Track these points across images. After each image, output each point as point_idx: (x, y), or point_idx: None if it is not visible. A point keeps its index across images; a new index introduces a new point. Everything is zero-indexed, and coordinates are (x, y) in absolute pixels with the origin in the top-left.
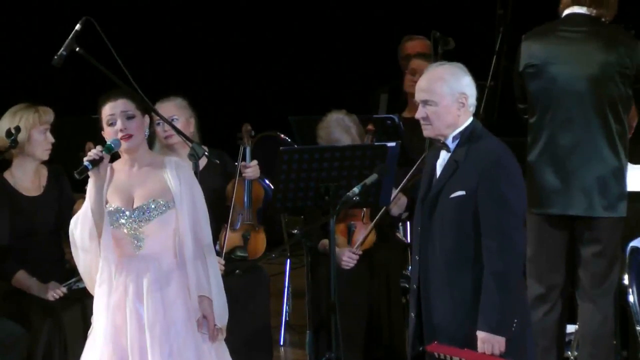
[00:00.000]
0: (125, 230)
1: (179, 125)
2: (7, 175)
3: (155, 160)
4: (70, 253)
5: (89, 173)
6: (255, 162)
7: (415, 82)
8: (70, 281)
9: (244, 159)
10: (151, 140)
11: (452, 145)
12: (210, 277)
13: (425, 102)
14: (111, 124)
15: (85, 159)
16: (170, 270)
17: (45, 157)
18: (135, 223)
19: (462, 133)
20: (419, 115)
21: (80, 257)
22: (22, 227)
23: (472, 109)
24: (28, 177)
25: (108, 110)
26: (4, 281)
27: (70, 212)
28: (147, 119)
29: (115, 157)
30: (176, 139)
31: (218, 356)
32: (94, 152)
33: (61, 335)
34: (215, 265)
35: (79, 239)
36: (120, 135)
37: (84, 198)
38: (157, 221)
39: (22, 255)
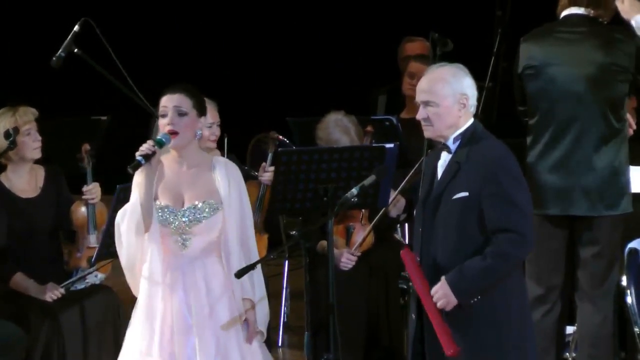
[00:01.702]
0: (172, 229)
1: (215, 130)
2: (2, 178)
3: (204, 160)
4: (68, 253)
5: (141, 168)
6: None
7: (414, 85)
8: (68, 282)
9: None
10: None
11: (453, 147)
12: (254, 279)
13: (427, 103)
14: (163, 116)
15: (137, 153)
16: (215, 270)
17: (37, 155)
18: (184, 223)
19: (463, 134)
20: (419, 116)
21: (124, 252)
22: (19, 228)
23: (473, 110)
24: (23, 179)
25: (163, 101)
26: (2, 283)
27: (68, 212)
28: (202, 119)
29: None
30: (214, 143)
31: (263, 356)
32: (146, 147)
33: (59, 337)
34: (259, 268)
35: (125, 233)
36: (167, 129)
37: (81, 199)
38: (206, 222)
39: (20, 257)
